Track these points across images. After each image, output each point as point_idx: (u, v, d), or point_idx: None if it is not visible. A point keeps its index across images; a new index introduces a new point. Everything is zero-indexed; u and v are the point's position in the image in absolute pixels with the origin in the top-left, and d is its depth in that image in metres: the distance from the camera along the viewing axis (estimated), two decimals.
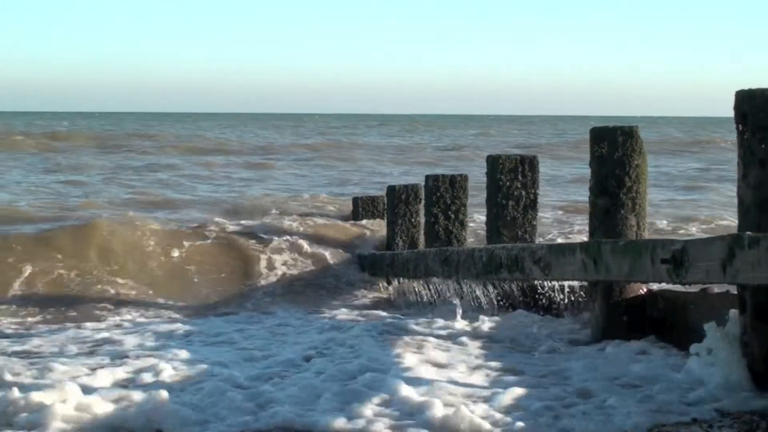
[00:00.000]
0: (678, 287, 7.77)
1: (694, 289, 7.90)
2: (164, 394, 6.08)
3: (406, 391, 6.33)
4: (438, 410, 5.89)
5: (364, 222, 13.18)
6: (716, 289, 7.64)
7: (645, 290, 8.11)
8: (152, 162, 34.77)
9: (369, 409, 6.04)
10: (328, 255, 12.02)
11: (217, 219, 13.82)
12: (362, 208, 13.63)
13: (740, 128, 6.57)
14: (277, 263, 11.71)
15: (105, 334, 8.93)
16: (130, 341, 8.54)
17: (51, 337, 8.95)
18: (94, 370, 7.19)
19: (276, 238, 12.20)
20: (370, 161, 36.82)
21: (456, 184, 10.60)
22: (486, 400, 6.30)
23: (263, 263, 11.73)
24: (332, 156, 39.39)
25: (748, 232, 6.09)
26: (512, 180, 9.66)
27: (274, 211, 15.77)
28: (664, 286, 7.81)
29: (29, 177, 26.28)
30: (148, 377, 7.02)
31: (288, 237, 12.18)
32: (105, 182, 24.98)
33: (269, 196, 20.66)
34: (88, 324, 9.65)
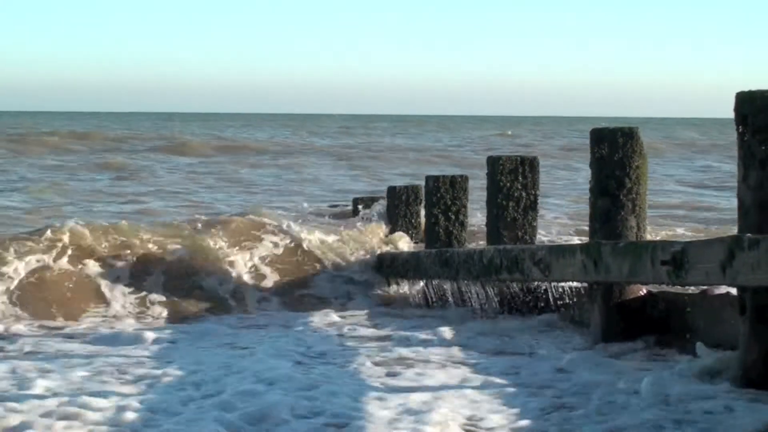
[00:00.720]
0: (678, 289, 7.77)
1: (694, 290, 7.92)
2: None
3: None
4: None
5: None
6: (716, 290, 7.63)
7: (645, 292, 8.08)
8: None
9: None
10: (326, 256, 11.51)
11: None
12: (362, 208, 13.57)
13: (740, 130, 6.58)
14: (268, 264, 11.28)
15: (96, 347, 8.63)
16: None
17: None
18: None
19: (273, 237, 11.79)
20: (413, 163, 36.79)
21: (456, 185, 10.59)
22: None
23: (249, 265, 11.21)
24: (374, 157, 39.57)
25: (748, 234, 6.10)
26: (512, 181, 9.65)
27: (295, 213, 15.48)
28: (663, 287, 7.80)
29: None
30: None
31: (281, 236, 11.75)
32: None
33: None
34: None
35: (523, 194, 9.64)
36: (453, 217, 10.58)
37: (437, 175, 10.86)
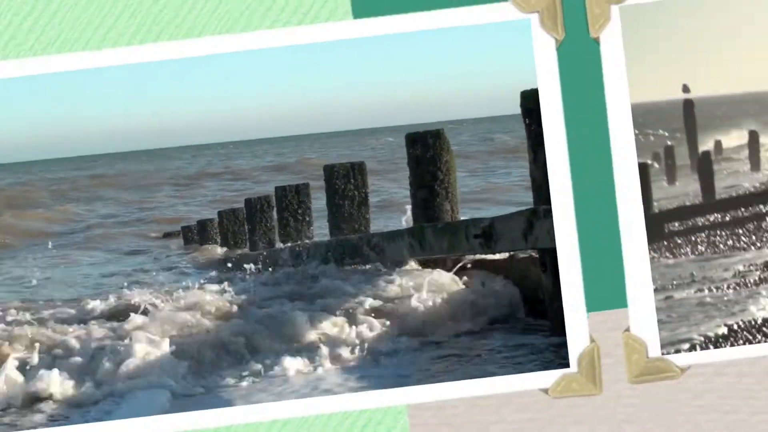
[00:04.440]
0: (490, 256, 8.56)
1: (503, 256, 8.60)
2: None
3: None
4: None
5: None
6: (521, 254, 8.33)
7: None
8: None
9: None
10: None
11: None
12: (226, 219, 13.87)
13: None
14: None
15: None
16: None
17: None
18: None
19: None
20: None
21: (301, 191, 11.40)
22: None
23: None
24: None
25: (542, 206, 6.89)
26: (345, 183, 10.62)
27: None
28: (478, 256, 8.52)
29: None
30: None
31: None
32: None
33: None
34: None
35: (356, 193, 10.62)
36: (300, 218, 11.33)
37: (284, 185, 11.55)
